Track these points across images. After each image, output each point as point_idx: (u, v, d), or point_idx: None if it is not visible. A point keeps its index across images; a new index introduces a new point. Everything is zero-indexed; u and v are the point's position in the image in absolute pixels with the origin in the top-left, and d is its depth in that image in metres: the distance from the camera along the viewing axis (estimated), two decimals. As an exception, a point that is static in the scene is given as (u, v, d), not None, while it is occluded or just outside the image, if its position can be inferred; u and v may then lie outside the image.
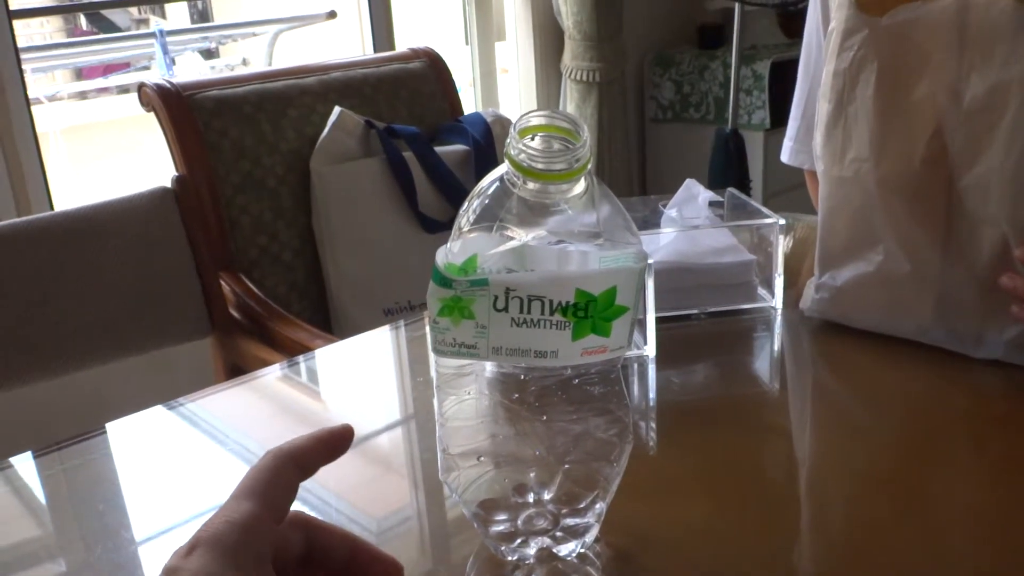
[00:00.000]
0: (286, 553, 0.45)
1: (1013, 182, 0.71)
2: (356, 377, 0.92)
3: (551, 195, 0.46)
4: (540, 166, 0.44)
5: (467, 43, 3.04)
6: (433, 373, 0.53)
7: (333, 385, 0.92)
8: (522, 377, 0.51)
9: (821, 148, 0.82)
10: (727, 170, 2.70)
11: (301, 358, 0.96)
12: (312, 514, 0.63)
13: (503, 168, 0.46)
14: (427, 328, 0.50)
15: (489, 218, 0.46)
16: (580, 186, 0.46)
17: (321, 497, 0.66)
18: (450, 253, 0.47)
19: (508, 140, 0.45)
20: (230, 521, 0.41)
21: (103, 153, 5.18)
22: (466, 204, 0.48)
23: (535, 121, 0.45)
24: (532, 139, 0.45)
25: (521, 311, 0.46)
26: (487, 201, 0.47)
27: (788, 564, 0.57)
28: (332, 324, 1.83)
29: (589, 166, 0.45)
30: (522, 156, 0.44)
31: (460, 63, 2.94)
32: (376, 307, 1.81)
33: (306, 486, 0.67)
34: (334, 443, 0.47)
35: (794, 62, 1.20)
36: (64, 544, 0.66)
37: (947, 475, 0.65)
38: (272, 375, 0.91)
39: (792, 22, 3.12)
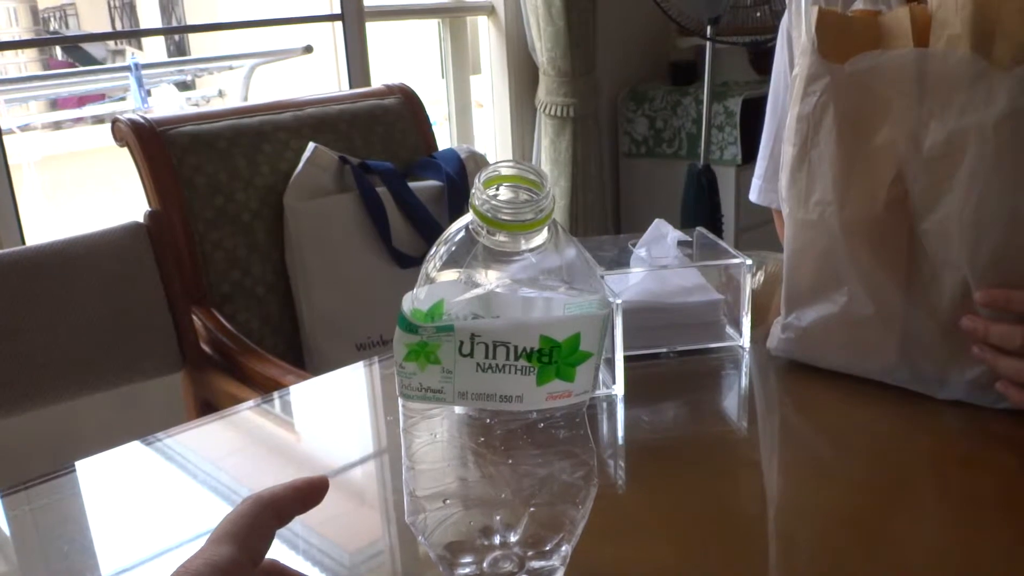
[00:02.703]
0: None
1: (972, 227, 0.73)
2: (330, 413, 0.92)
3: (516, 244, 0.46)
4: (505, 217, 0.45)
5: (443, 77, 3.06)
6: (401, 417, 0.53)
7: (307, 421, 0.92)
8: (488, 421, 0.51)
9: (786, 191, 0.83)
10: (699, 205, 2.73)
11: (276, 394, 0.96)
12: (284, 548, 0.64)
13: (468, 217, 0.47)
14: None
15: (455, 265, 0.47)
16: (543, 235, 0.47)
17: (294, 531, 0.66)
18: (416, 299, 0.48)
19: (472, 191, 0.46)
20: (209, 564, 0.42)
21: (77, 184, 5.16)
22: (433, 250, 0.49)
23: (501, 171, 0.46)
24: (496, 190, 0.46)
25: (486, 356, 0.47)
26: (453, 248, 0.48)
27: (752, 606, 0.57)
28: (305, 359, 1.82)
29: (553, 215, 0.46)
30: (487, 207, 0.45)
31: (435, 97, 2.96)
32: (349, 342, 1.81)
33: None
34: (310, 493, 0.49)
35: (765, 99, 1.22)
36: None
37: (911, 515, 0.65)
38: (246, 411, 0.91)
39: (763, 59, 3.17)
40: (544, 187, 0.45)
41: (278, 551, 0.64)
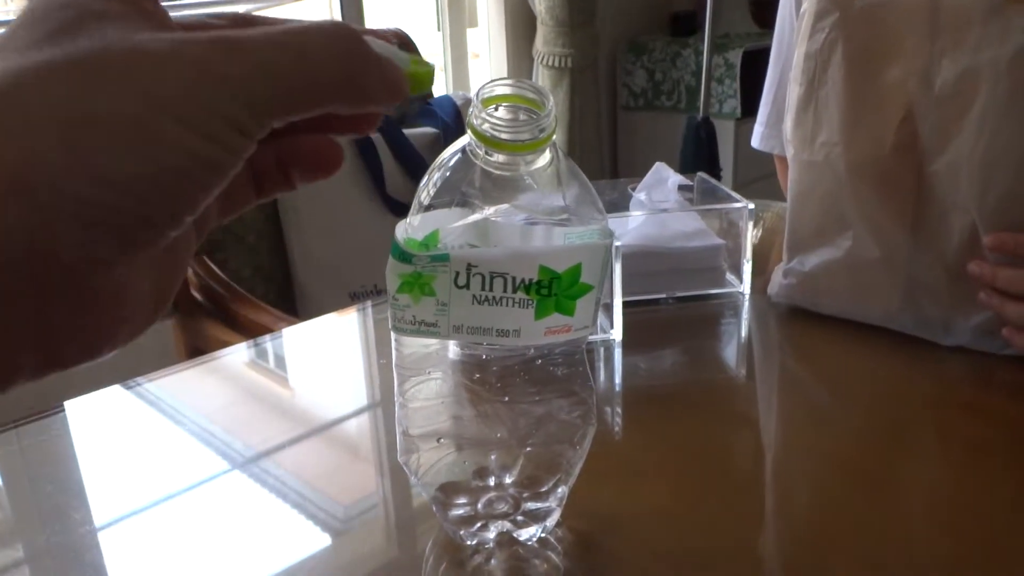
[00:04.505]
0: None
1: (983, 169, 0.71)
2: (320, 358, 0.90)
3: (515, 167, 0.44)
4: (505, 136, 0.42)
5: (439, 29, 3.01)
6: (393, 352, 0.51)
7: (296, 366, 0.91)
8: (484, 357, 0.49)
9: (791, 132, 0.81)
10: (698, 158, 2.70)
11: (267, 338, 0.94)
12: (277, 501, 0.62)
13: (465, 139, 0.45)
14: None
15: (451, 191, 0.45)
16: (545, 158, 0.45)
17: (287, 483, 0.64)
18: (410, 227, 0.46)
19: (471, 110, 0.43)
20: None
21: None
22: (426, 177, 0.46)
23: (499, 90, 0.43)
24: (496, 109, 0.43)
25: (483, 288, 0.45)
26: (448, 174, 0.45)
27: (753, 550, 0.56)
28: (297, 307, 1.81)
29: (554, 137, 0.44)
30: (485, 126, 0.43)
31: (431, 49, 2.91)
32: (342, 290, 1.79)
33: (274, 473, 0.66)
34: None
35: (765, 52, 1.19)
36: (20, 525, 0.65)
37: (913, 461, 0.64)
38: (235, 355, 0.89)
39: (764, 12, 3.13)
40: (545, 106, 0.43)
41: (270, 504, 0.62)
